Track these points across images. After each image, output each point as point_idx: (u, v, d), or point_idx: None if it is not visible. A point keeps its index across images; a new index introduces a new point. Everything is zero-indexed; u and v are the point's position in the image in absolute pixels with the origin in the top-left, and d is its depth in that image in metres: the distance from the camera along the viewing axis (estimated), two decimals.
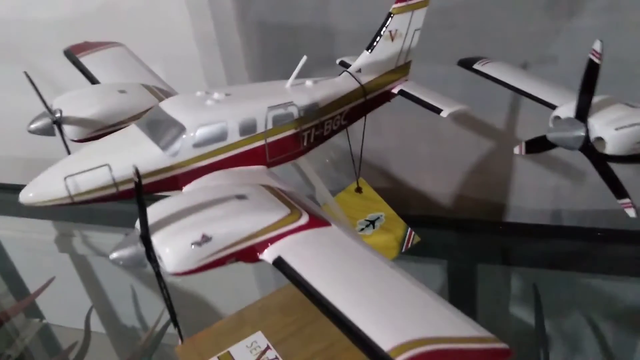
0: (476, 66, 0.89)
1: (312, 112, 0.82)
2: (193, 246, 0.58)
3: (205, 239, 0.58)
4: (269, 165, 0.80)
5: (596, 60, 0.64)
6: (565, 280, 1.29)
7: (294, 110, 0.79)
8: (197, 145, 0.73)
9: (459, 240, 1.40)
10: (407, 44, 0.92)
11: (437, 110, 0.87)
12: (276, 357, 1.01)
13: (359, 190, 1.09)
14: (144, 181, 0.70)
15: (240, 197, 0.65)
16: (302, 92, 0.82)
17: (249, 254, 0.63)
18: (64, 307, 1.51)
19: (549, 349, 1.19)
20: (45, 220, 1.73)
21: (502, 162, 1.37)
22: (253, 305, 1.11)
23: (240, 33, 1.36)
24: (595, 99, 0.71)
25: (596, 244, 1.30)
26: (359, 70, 0.90)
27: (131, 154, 0.67)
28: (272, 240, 0.63)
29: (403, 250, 1.11)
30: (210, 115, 0.74)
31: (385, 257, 1.01)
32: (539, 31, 1.15)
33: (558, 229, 1.35)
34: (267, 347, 1.02)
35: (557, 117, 0.72)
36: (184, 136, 0.72)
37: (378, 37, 0.90)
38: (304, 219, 0.66)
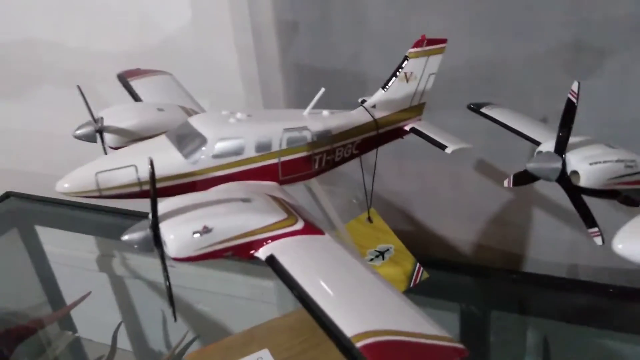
0: (483, 110, 0.96)
1: (325, 137, 0.90)
2: (195, 235, 0.66)
3: (206, 230, 0.66)
4: (281, 182, 0.88)
5: (573, 100, 0.70)
6: (576, 334, 1.29)
7: (307, 134, 0.88)
8: (215, 156, 0.82)
9: (474, 285, 1.43)
10: (422, 86, 1.00)
11: (442, 147, 0.94)
12: None
13: (369, 220, 1.15)
14: (165, 184, 0.80)
15: (245, 200, 0.73)
16: (317, 119, 0.90)
17: (245, 250, 0.70)
18: (97, 323, 1.60)
19: None
20: (89, 235, 1.84)
21: (521, 214, 1.41)
22: (263, 324, 1.17)
23: (282, 74, 1.48)
24: (577, 139, 0.76)
25: (611, 301, 1.30)
26: (374, 106, 0.98)
27: (156, 158, 0.77)
28: (268, 239, 0.71)
29: (412, 285, 1.15)
30: (230, 131, 0.83)
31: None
32: (557, 87, 1.22)
33: (573, 282, 1.37)
34: None
35: (540, 152, 0.78)
36: (204, 147, 0.81)
37: (394, 78, 0.98)
38: (299, 225, 0.73)
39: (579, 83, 0.71)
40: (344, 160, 0.95)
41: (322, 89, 0.90)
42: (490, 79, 1.27)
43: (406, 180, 1.53)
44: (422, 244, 1.58)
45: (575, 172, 0.73)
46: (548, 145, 0.76)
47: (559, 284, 1.37)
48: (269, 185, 0.86)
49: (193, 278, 1.48)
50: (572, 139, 0.76)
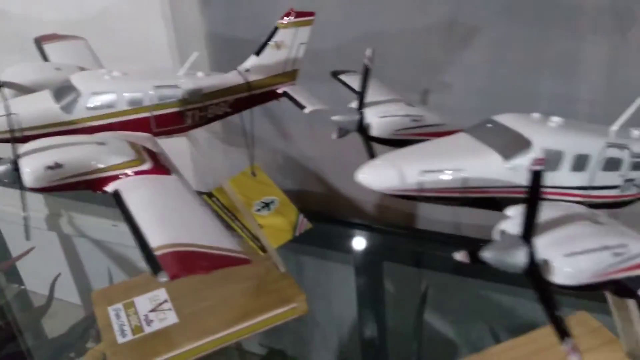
0: (341, 76, 1.09)
1: (196, 95, 1.03)
2: (46, 169, 0.79)
3: (57, 165, 0.80)
4: (155, 134, 1.01)
5: (367, 64, 0.82)
6: (459, 284, 1.43)
7: (178, 92, 1.01)
8: (89, 108, 0.95)
9: (372, 241, 1.57)
10: (293, 54, 1.13)
11: (302, 107, 1.07)
12: (170, 309, 1.19)
13: (253, 174, 1.28)
14: (44, 131, 0.93)
15: (99, 142, 0.86)
16: (190, 78, 1.03)
17: (95, 185, 0.84)
18: (43, 277, 1.73)
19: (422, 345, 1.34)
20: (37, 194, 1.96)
21: None
22: None
23: (206, 44, 1.61)
24: (382, 98, 0.89)
25: None
26: (248, 70, 1.11)
27: (32, 107, 0.89)
28: (115, 177, 0.84)
29: (297, 234, 1.29)
30: (102, 86, 0.96)
31: (281, 239, 1.21)
32: (435, 60, 1.35)
33: (457, 237, 1.51)
34: (165, 300, 1.21)
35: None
36: (78, 100, 0.94)
37: (265, 45, 1.11)
38: (145, 166, 0.86)
39: (372, 50, 0.84)
40: (218, 117, 1.08)
41: (196, 53, 1.03)
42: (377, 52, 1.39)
43: (317, 145, 1.66)
44: (332, 205, 1.73)
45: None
46: (355, 104, 0.89)
47: (445, 240, 1.51)
48: (141, 135, 0.99)
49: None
50: (378, 98, 0.88)
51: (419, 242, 1.57)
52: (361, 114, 0.85)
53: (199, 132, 1.74)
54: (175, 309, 1.21)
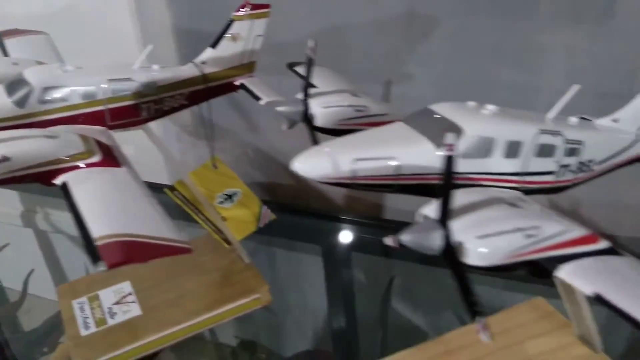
0: (297, 68, 1.10)
1: (151, 88, 1.04)
2: None
3: (5, 158, 0.80)
4: (111, 127, 1.02)
5: (310, 55, 0.83)
6: (424, 272, 1.45)
7: (132, 85, 1.01)
8: (42, 102, 0.95)
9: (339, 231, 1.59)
10: (250, 46, 1.14)
11: (257, 99, 1.08)
12: (134, 301, 1.20)
13: (215, 166, 1.29)
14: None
15: (49, 136, 0.87)
16: (144, 72, 1.04)
17: (44, 177, 0.84)
18: (20, 273, 1.74)
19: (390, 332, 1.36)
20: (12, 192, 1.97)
21: None
22: None
23: (173, 38, 1.61)
24: (329, 89, 0.90)
25: None
26: (204, 62, 1.11)
27: None
28: (64, 170, 0.85)
29: (260, 225, 1.30)
30: (55, 80, 0.96)
31: (245, 231, 1.22)
32: (397, 51, 1.36)
33: None
34: (130, 293, 1.22)
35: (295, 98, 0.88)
36: (31, 94, 0.95)
37: (221, 38, 1.11)
38: (95, 158, 0.87)
39: (315, 41, 0.85)
40: (175, 109, 1.09)
41: (150, 46, 1.04)
42: (340, 44, 1.41)
43: (286, 137, 1.67)
44: (302, 197, 1.74)
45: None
46: (300, 95, 0.90)
47: None
48: (95, 129, 1.00)
49: None
50: (327, 89, 0.89)
51: (387, 233, 1.58)
52: (305, 104, 0.86)
53: (169, 125, 1.77)
54: (139, 301, 1.22)
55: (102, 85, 0.99)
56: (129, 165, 0.90)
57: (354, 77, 1.39)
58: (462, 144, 0.69)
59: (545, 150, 0.74)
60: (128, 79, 1.01)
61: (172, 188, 1.23)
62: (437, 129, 0.71)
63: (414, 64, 1.37)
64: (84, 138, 0.91)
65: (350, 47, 1.39)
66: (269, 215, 1.29)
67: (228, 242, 1.23)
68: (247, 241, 1.28)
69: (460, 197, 0.62)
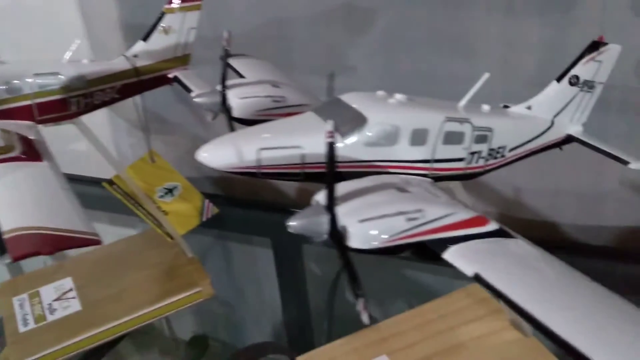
0: (232, 60, 1.10)
1: (80, 82, 1.03)
2: None
3: None
4: (39, 122, 1.02)
5: (226, 46, 0.83)
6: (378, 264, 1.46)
7: (59, 79, 1.01)
8: None
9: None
10: (183, 39, 1.14)
11: (189, 90, 1.08)
12: (74, 297, 1.20)
13: (152, 160, 1.29)
14: None
15: None
16: (72, 66, 1.03)
17: None
18: None
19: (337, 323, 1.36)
20: None
21: None
22: (73, 257, 1.31)
23: (120, 33, 1.61)
24: (250, 80, 0.91)
25: None
26: (136, 56, 1.11)
27: None
28: None
29: (204, 219, 1.30)
30: None
31: (188, 225, 1.22)
32: (338, 44, 1.37)
33: None
34: (70, 289, 1.22)
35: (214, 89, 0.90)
36: None
37: (153, 31, 1.11)
38: (14, 153, 0.87)
39: (229, 32, 0.86)
40: (106, 103, 1.09)
41: (77, 41, 1.03)
42: (283, 36, 1.42)
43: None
44: (253, 190, 1.75)
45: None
46: (219, 86, 0.90)
47: None
48: (22, 124, 0.99)
49: None
50: (246, 80, 0.90)
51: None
52: (223, 95, 0.86)
53: (119, 121, 1.76)
54: (80, 297, 1.22)
55: (28, 80, 0.98)
56: (50, 159, 0.90)
57: (298, 70, 1.41)
58: (367, 132, 0.70)
59: (453, 138, 0.75)
60: (55, 74, 1.00)
61: (110, 182, 1.22)
62: (344, 118, 0.72)
63: (356, 56, 1.38)
64: (5, 133, 0.90)
65: (293, 40, 1.40)
66: (211, 208, 1.29)
67: (171, 236, 1.23)
68: (198, 235, 1.28)
69: (351, 184, 0.63)
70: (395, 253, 0.62)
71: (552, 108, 0.87)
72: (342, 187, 0.62)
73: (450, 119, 0.75)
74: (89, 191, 1.29)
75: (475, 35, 1.28)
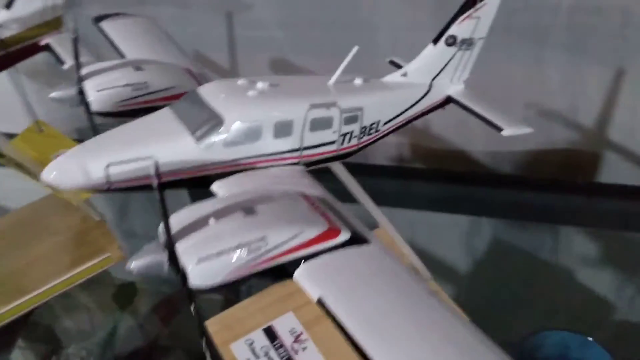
0: (104, 23, 1.02)
1: None
2: None
3: None
4: None
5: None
6: None
7: None
8: None
9: None
10: (50, 1, 1.04)
11: (61, 61, 1.00)
12: None
13: (40, 130, 1.22)
14: None
15: None
16: None
17: None
18: None
19: None
20: None
21: None
22: None
23: None
24: (107, 65, 0.84)
25: None
26: (0, 26, 1.02)
27: None
28: None
29: None
30: None
31: None
32: None
33: None
34: None
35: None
36: None
37: None
38: None
39: (75, 20, 0.79)
40: None
41: None
42: None
43: None
44: None
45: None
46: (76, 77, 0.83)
47: None
48: None
49: None
50: (104, 66, 0.84)
51: None
52: (79, 89, 0.80)
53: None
54: None
55: None
56: None
57: (196, 13, 1.32)
58: (224, 134, 0.67)
59: (320, 124, 0.73)
60: None
61: (0, 155, 1.17)
62: (199, 119, 0.69)
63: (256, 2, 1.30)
64: None
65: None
66: None
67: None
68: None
69: (195, 209, 0.61)
70: (244, 282, 0.59)
71: (430, 71, 0.84)
72: (184, 214, 0.59)
73: (315, 106, 0.72)
74: None
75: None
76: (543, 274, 1.19)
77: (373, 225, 0.83)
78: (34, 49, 1.05)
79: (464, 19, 0.82)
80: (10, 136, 1.26)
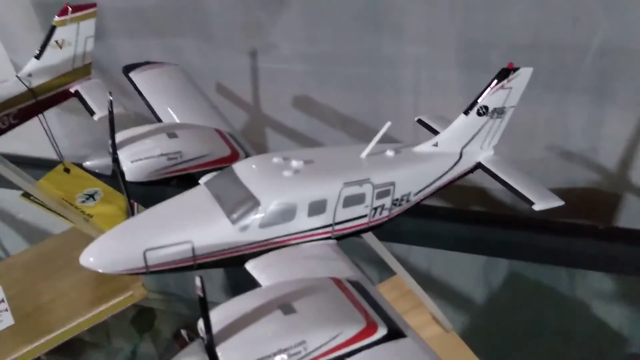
0: (133, 74, 1.03)
1: None
2: None
3: None
4: None
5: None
6: None
7: None
8: None
9: None
10: (80, 50, 1.05)
11: (91, 111, 1.01)
12: (6, 309, 1.18)
13: (67, 170, 1.24)
14: None
15: None
16: None
17: None
18: None
19: None
20: None
21: None
22: (3, 261, 1.28)
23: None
24: (135, 133, 0.86)
25: None
26: (30, 75, 1.03)
27: None
28: None
29: (131, 216, 1.27)
30: None
31: (116, 223, 1.19)
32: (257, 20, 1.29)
33: None
34: (2, 300, 1.20)
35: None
36: None
37: (45, 47, 1.02)
38: None
39: (111, 93, 0.79)
40: (3, 131, 1.02)
41: None
42: (199, 9, 1.33)
43: None
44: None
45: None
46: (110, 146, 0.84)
47: None
48: None
49: None
50: (137, 133, 0.85)
51: None
52: (115, 158, 0.81)
53: None
54: (12, 308, 1.21)
55: None
56: None
57: (217, 46, 1.33)
58: (260, 215, 0.68)
59: (353, 200, 0.74)
60: None
61: (27, 195, 1.19)
62: (235, 199, 0.70)
63: (277, 35, 1.30)
64: None
65: (212, 14, 1.31)
66: (136, 206, 1.27)
67: None
68: None
69: (232, 305, 0.61)
70: None
71: (461, 140, 0.85)
72: (223, 311, 0.60)
73: (348, 184, 0.73)
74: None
75: (400, 8, 1.22)
76: (559, 316, 1.20)
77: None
78: (64, 96, 1.06)
79: (496, 90, 0.82)
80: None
